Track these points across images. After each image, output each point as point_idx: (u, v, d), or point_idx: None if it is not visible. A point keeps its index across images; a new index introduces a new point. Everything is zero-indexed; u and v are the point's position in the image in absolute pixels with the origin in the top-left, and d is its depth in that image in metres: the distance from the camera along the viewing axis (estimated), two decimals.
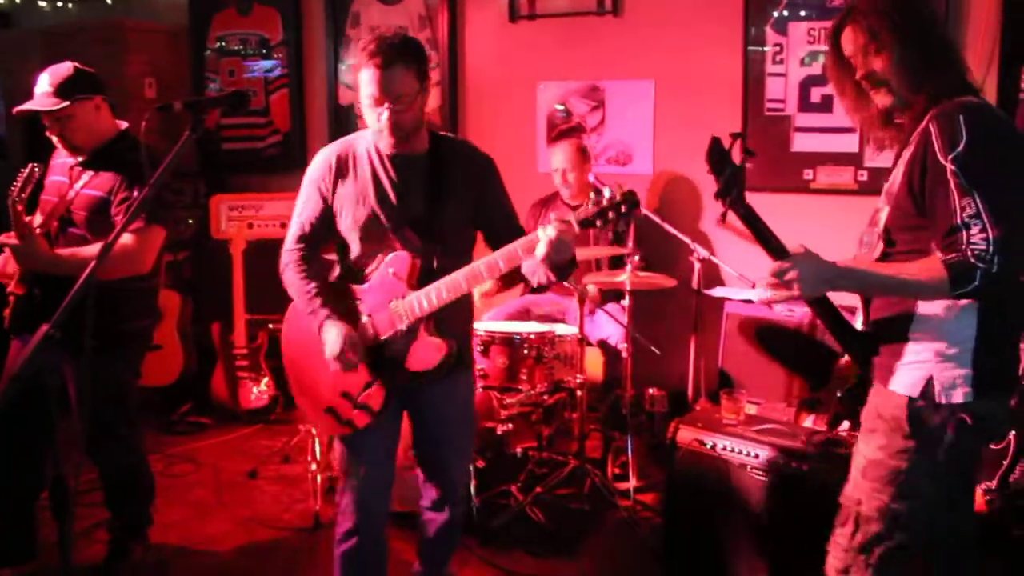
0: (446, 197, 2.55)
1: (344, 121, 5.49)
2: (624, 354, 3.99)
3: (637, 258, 3.97)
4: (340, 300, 2.56)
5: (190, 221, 5.34)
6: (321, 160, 2.59)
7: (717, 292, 4.32)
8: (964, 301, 1.97)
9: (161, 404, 4.96)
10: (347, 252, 2.62)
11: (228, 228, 5.05)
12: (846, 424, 3.32)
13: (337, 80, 5.50)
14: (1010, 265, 1.83)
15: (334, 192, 2.55)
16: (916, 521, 2.10)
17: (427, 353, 2.49)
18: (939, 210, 1.91)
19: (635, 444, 4.04)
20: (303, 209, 2.62)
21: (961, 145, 1.89)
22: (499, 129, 5.08)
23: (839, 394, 2.42)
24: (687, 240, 4.00)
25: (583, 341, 3.84)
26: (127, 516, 3.36)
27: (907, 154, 2.05)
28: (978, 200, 1.85)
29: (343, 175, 2.55)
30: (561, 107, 4.99)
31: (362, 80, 2.41)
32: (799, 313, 4.06)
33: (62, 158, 3.16)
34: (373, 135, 2.54)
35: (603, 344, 4.23)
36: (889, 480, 2.09)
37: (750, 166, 4.51)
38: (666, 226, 4.06)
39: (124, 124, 3.21)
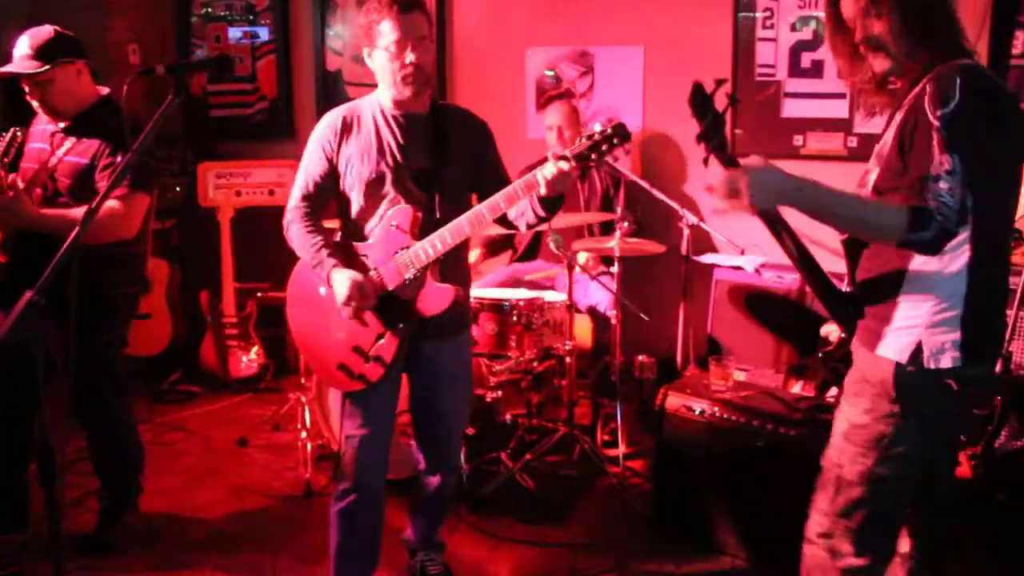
0: (449, 154, 2.61)
1: (332, 87, 5.44)
2: (613, 321, 4.00)
3: (627, 224, 3.96)
4: (345, 258, 2.59)
5: (177, 188, 5.30)
6: (327, 122, 2.64)
7: (706, 259, 4.32)
8: (955, 266, 1.97)
9: (150, 373, 4.93)
10: (349, 213, 2.65)
11: (216, 196, 5.02)
12: (834, 390, 3.36)
13: (324, 46, 5.43)
14: (974, 230, 1.87)
15: (339, 152, 2.60)
16: (900, 485, 2.12)
17: (437, 298, 2.54)
18: (918, 159, 1.91)
19: (624, 411, 4.05)
20: (308, 167, 2.66)
21: (952, 104, 1.87)
22: (488, 95, 5.03)
23: (820, 357, 2.43)
24: (676, 206, 3.98)
25: (572, 308, 3.84)
26: (117, 485, 3.36)
27: (900, 116, 2.04)
28: (957, 159, 1.84)
29: (348, 135, 2.60)
30: (551, 72, 4.94)
31: (382, 31, 2.47)
32: (788, 280, 4.07)
33: (42, 124, 3.13)
34: (381, 95, 2.61)
35: (592, 311, 4.24)
36: (873, 444, 2.10)
37: (740, 132, 4.50)
38: (655, 192, 4.04)
39: (105, 90, 3.17)
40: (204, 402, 4.83)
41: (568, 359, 3.87)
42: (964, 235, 1.93)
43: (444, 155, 2.60)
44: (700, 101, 2.03)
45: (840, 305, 2.23)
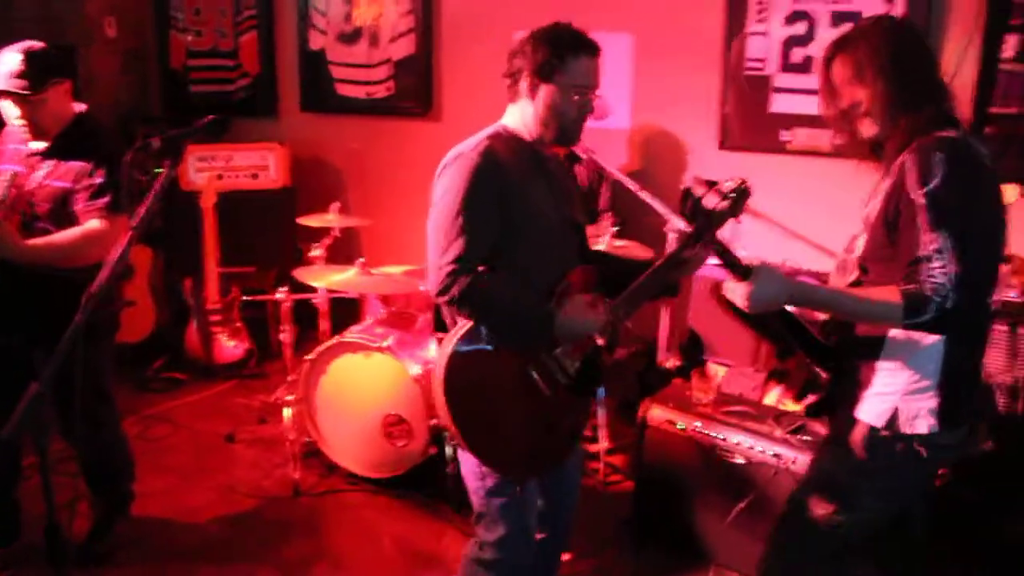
0: (579, 199, 2.58)
1: (316, 66, 5.33)
2: None
3: (611, 226, 3.97)
4: None
5: (158, 170, 5.22)
6: (485, 169, 2.27)
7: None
8: (934, 335, 2.01)
9: (135, 360, 4.93)
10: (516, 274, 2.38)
11: (197, 179, 4.95)
12: (811, 397, 3.44)
13: (308, 24, 5.32)
14: (964, 303, 1.88)
15: (510, 202, 2.29)
16: (857, 532, 2.22)
17: (622, 365, 2.56)
18: (907, 241, 1.95)
19: (607, 403, 4.10)
20: (476, 225, 2.25)
21: (934, 181, 1.91)
22: (475, 78, 4.95)
23: (806, 410, 2.50)
24: (663, 210, 3.96)
25: None
26: (108, 495, 3.40)
27: (886, 184, 2.07)
28: (945, 236, 1.88)
29: (513, 180, 2.32)
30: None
31: (575, 70, 2.31)
32: None
33: (12, 143, 3.06)
34: (520, 131, 2.41)
35: None
36: (838, 494, 2.20)
37: (728, 111, 4.46)
38: (641, 195, 4.01)
39: (82, 106, 3.10)
40: (190, 391, 4.85)
41: None
42: None
43: (578, 197, 2.57)
44: (691, 205, 2.04)
45: (824, 359, 2.29)
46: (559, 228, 2.44)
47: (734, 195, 2.33)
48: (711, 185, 2.07)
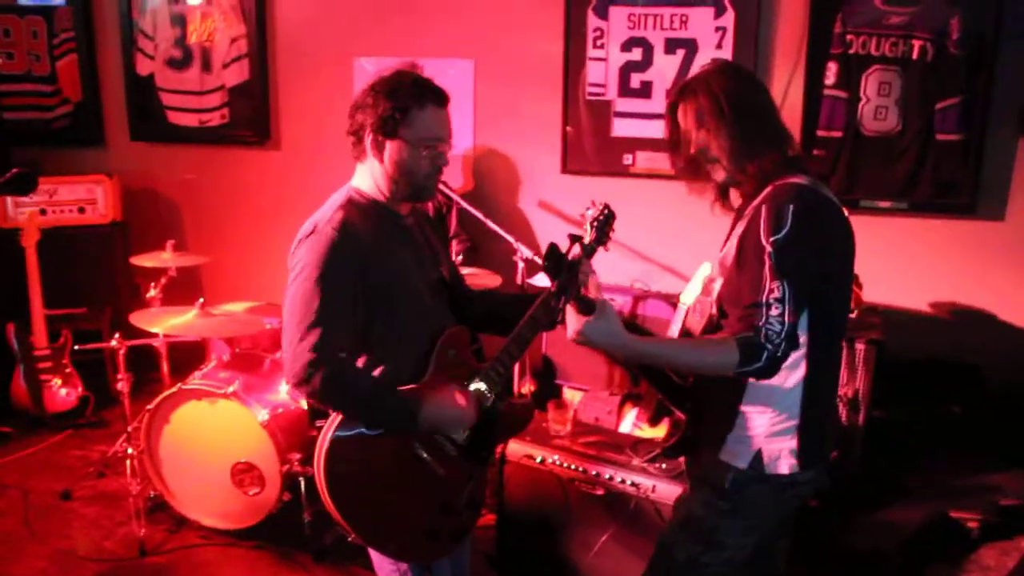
0: (444, 250, 2.45)
1: (144, 93, 5.06)
2: None
3: (459, 246, 3.95)
4: None
5: None
6: (338, 243, 2.12)
7: (539, 280, 4.35)
8: (792, 380, 2.08)
9: None
10: (382, 350, 2.23)
11: (17, 216, 4.61)
12: (666, 421, 3.49)
13: (134, 48, 5.04)
14: (790, 353, 1.94)
15: (363, 277, 2.15)
16: (725, 570, 2.24)
17: (518, 416, 2.42)
18: (750, 284, 1.99)
19: None
20: (331, 313, 2.08)
21: (783, 232, 1.95)
22: (315, 105, 4.83)
23: (662, 451, 2.53)
24: (511, 239, 3.97)
25: None
26: None
27: (740, 228, 2.11)
28: (786, 286, 1.93)
29: (375, 254, 2.17)
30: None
31: (421, 121, 2.15)
32: (620, 302, 4.16)
33: None
34: (372, 193, 2.25)
35: None
36: (704, 536, 2.22)
37: (571, 129, 4.53)
38: (488, 223, 4.01)
39: None
40: (18, 445, 4.49)
41: None
42: (800, 352, 2.03)
43: (442, 251, 2.45)
44: (554, 261, 2.02)
45: (680, 400, 2.33)
46: (424, 292, 2.31)
47: (598, 223, 2.35)
48: (575, 239, 2.07)
